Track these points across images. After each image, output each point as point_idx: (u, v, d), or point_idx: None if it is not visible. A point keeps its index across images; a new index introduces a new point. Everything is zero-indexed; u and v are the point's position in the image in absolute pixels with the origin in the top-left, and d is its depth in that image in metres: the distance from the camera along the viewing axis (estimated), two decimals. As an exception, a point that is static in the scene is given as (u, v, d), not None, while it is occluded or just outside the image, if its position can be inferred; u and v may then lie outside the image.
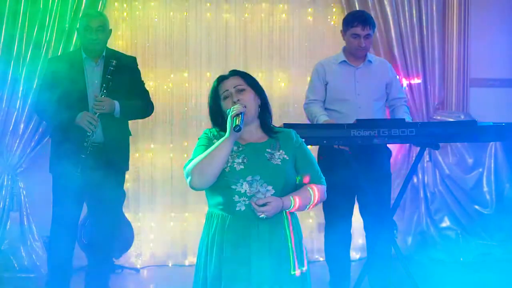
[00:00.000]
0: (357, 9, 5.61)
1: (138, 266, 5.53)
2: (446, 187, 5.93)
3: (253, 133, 2.86)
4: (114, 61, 4.30)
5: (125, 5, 5.52)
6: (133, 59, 4.57)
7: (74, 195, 4.32)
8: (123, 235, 5.26)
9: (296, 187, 2.83)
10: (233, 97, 2.83)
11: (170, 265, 5.62)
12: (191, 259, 5.62)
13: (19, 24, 5.10)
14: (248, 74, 2.93)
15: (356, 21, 4.48)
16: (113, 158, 4.34)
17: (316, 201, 2.84)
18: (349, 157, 4.20)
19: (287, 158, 2.81)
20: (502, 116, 5.79)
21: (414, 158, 5.40)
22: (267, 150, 2.81)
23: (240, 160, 2.76)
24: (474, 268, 5.64)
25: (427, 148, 4.69)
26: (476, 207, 5.95)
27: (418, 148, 4.52)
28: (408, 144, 5.77)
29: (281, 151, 2.82)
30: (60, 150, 4.32)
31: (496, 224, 5.93)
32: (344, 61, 4.58)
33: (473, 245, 5.87)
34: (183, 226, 5.66)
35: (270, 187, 2.74)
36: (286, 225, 2.80)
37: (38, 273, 5.22)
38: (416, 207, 5.94)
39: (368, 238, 4.64)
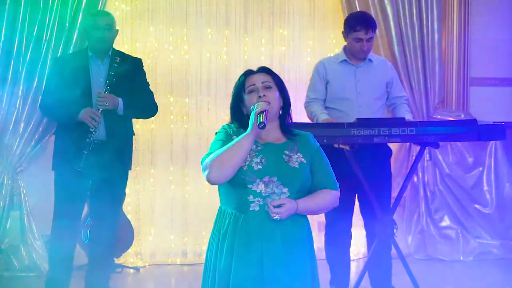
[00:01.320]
0: (357, 7, 5.62)
1: (139, 265, 5.53)
2: (446, 186, 5.93)
3: (272, 132, 2.84)
4: (118, 58, 4.32)
5: (124, 5, 5.52)
6: (139, 60, 4.59)
7: (76, 192, 4.33)
8: (123, 234, 5.27)
9: (311, 191, 2.82)
10: (259, 92, 2.82)
11: (170, 264, 5.62)
12: (191, 258, 5.62)
13: (19, 23, 5.10)
14: (276, 74, 2.92)
15: (359, 26, 4.44)
16: (115, 156, 4.34)
17: (328, 206, 2.86)
18: (349, 156, 4.20)
19: (305, 162, 2.80)
20: (502, 115, 5.81)
21: (414, 157, 5.41)
22: (285, 152, 2.80)
23: (258, 160, 2.75)
24: (474, 267, 5.64)
25: (427, 147, 4.69)
26: (476, 206, 5.96)
27: (418, 147, 4.53)
28: (408, 143, 5.77)
29: (299, 154, 2.81)
30: (63, 147, 4.33)
31: (496, 223, 5.93)
32: (345, 60, 4.58)
33: (473, 244, 5.87)
34: (183, 225, 5.66)
35: (285, 189, 2.74)
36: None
37: (39, 272, 5.22)
38: (416, 206, 5.94)
39: (368, 237, 4.64)
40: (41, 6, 5.11)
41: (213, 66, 5.64)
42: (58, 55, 5.03)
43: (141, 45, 5.53)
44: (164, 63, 5.58)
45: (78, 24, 4.85)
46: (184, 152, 5.64)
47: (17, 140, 5.21)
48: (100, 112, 4.24)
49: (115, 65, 4.30)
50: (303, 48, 5.78)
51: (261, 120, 2.69)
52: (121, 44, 5.42)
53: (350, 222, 4.60)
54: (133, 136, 4.64)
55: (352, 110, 4.45)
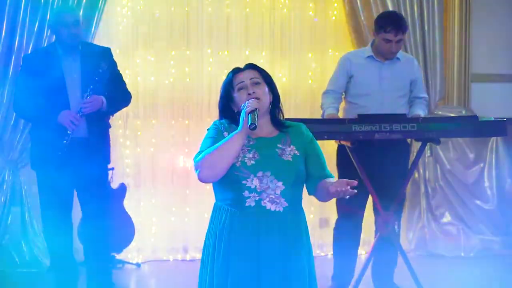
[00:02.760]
0: (358, 4, 5.61)
1: (139, 261, 5.53)
2: (447, 182, 5.92)
3: (264, 127, 2.83)
4: (103, 63, 4.30)
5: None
6: (108, 50, 4.55)
7: (61, 190, 4.33)
8: (124, 230, 5.27)
9: (307, 183, 2.81)
10: (248, 89, 2.80)
11: (171, 260, 5.62)
12: (192, 254, 5.62)
13: (20, 20, 5.11)
14: (264, 69, 2.90)
15: (390, 27, 4.39)
16: (98, 151, 4.37)
17: None
18: (351, 152, 4.19)
19: (298, 154, 2.79)
20: (503, 111, 5.80)
21: (415, 153, 5.40)
22: (278, 145, 2.79)
23: (251, 155, 2.74)
24: (475, 263, 5.64)
25: (428, 143, 4.68)
26: (477, 202, 5.95)
27: (419, 143, 4.52)
28: (409, 139, 5.76)
29: (292, 146, 2.80)
30: (41, 147, 4.32)
31: (497, 219, 5.93)
32: (371, 56, 4.56)
33: (474, 240, 5.87)
34: (184, 221, 5.66)
35: (280, 183, 2.73)
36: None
37: (40, 268, 5.23)
38: (417, 203, 5.94)
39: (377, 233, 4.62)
40: (42, 2, 5.11)
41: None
42: (26, 53, 4.96)
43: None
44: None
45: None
46: (184, 148, 5.64)
47: (18, 136, 5.21)
48: (81, 116, 4.23)
49: (101, 71, 4.28)
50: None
51: (252, 122, 2.67)
52: (121, 40, 5.44)
53: (361, 219, 4.59)
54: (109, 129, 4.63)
55: (375, 107, 4.43)
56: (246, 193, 2.72)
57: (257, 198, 2.71)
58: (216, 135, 2.80)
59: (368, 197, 4.54)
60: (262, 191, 2.71)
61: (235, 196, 2.74)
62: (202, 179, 2.72)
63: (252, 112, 2.70)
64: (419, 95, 4.65)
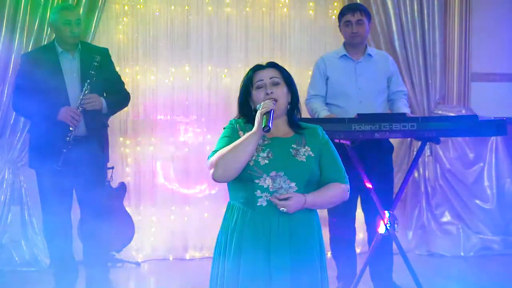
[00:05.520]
0: (358, 3, 5.61)
1: (139, 260, 5.53)
2: (447, 181, 5.92)
3: (280, 127, 2.83)
4: (98, 57, 4.30)
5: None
6: (106, 51, 4.57)
7: (61, 189, 4.33)
8: (124, 229, 5.27)
9: (319, 184, 2.81)
10: (267, 88, 2.81)
11: (171, 259, 5.62)
12: (192, 253, 5.63)
13: (20, 19, 5.11)
14: (284, 69, 2.91)
15: (346, 10, 4.56)
16: (96, 149, 4.38)
17: (337, 200, 2.85)
18: (350, 151, 4.20)
19: (312, 155, 2.79)
20: (503, 110, 5.80)
21: (415, 153, 5.40)
22: (292, 146, 2.79)
23: (265, 155, 2.74)
24: (474, 262, 5.64)
25: (428, 143, 4.68)
26: (477, 201, 5.95)
27: (419, 143, 4.52)
28: (409, 139, 5.77)
29: (306, 147, 2.80)
30: (41, 145, 4.32)
31: (497, 219, 5.93)
32: (345, 55, 4.58)
33: (474, 239, 5.87)
34: (184, 220, 5.67)
35: (293, 184, 2.73)
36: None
37: (39, 267, 5.24)
38: (417, 202, 5.94)
39: (369, 232, 4.64)
40: (42, 2, 5.11)
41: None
42: (25, 52, 4.95)
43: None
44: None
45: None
46: (184, 147, 5.64)
47: (18, 135, 5.21)
48: (80, 111, 4.23)
49: (95, 64, 4.28)
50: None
51: (266, 124, 2.66)
52: (121, 38, 5.43)
53: (353, 218, 4.60)
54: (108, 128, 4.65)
55: (353, 106, 4.45)
56: (258, 193, 2.72)
57: (268, 198, 2.72)
58: (231, 135, 2.80)
59: (358, 196, 4.55)
60: (274, 191, 2.72)
61: (247, 195, 2.74)
62: (216, 179, 2.72)
63: (267, 113, 2.70)
64: (398, 89, 4.67)
